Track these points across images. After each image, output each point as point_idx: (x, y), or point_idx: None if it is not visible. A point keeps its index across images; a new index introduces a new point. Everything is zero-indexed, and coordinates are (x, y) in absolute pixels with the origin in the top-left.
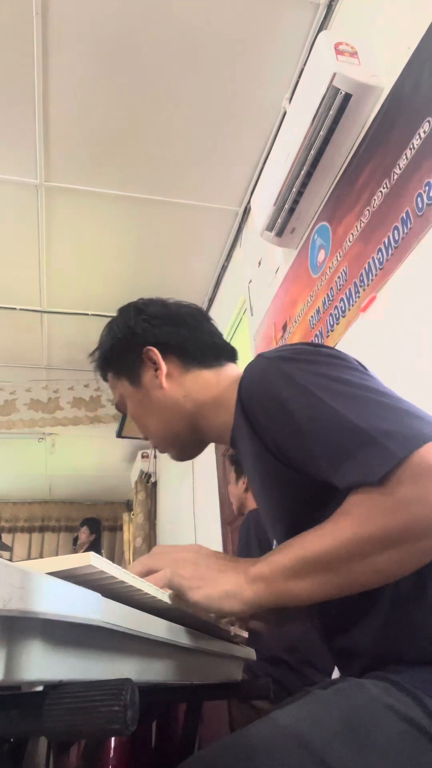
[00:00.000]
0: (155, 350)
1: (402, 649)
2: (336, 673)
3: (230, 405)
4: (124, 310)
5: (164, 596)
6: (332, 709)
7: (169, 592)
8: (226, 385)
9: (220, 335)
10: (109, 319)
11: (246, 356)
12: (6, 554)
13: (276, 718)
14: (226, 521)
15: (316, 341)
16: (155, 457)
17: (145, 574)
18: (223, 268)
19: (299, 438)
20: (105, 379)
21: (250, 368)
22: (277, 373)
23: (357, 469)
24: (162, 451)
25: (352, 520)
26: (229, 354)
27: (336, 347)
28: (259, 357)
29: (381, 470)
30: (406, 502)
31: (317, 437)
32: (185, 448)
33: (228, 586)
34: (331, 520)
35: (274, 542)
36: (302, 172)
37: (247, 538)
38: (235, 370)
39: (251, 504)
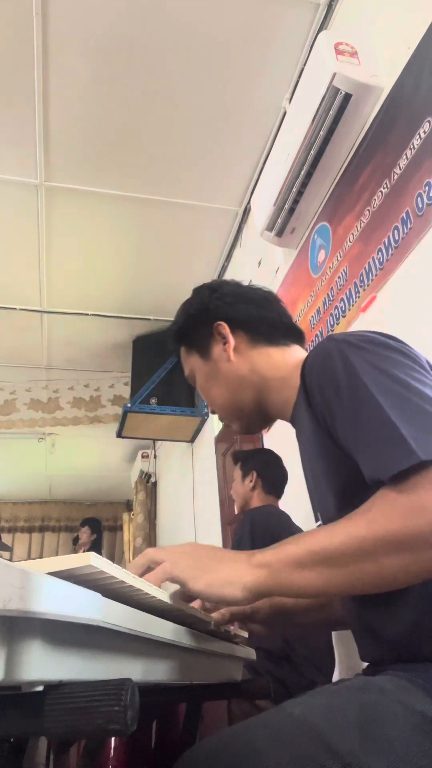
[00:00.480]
0: (225, 325)
1: (423, 647)
2: (336, 674)
3: (295, 383)
4: (198, 290)
5: (164, 596)
6: (345, 704)
7: (169, 591)
8: (293, 365)
9: (289, 317)
10: (108, 319)
11: None
12: (6, 554)
13: (288, 708)
14: (226, 521)
15: (317, 341)
16: (155, 457)
17: (147, 566)
18: (223, 268)
19: (344, 424)
20: (177, 354)
21: (316, 348)
22: (339, 357)
23: (375, 461)
24: (228, 424)
25: (366, 518)
26: (297, 335)
27: None
28: (328, 338)
29: (395, 467)
30: (421, 508)
31: (357, 428)
32: (250, 420)
33: (229, 573)
34: (347, 517)
35: (319, 516)
36: (302, 172)
37: (240, 536)
38: (302, 352)
39: (255, 503)
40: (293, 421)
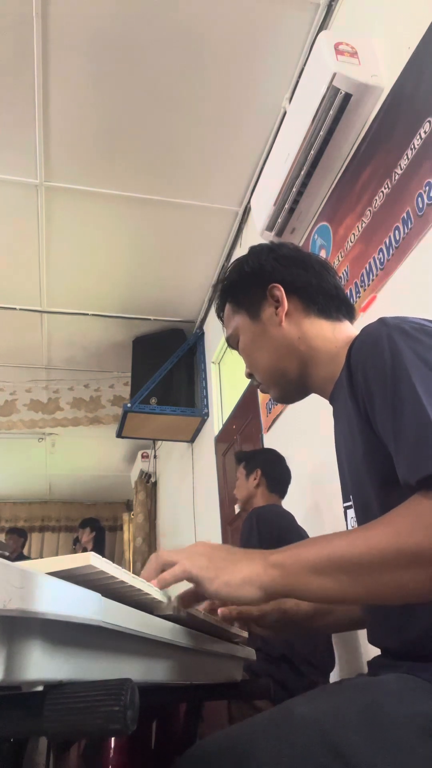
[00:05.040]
0: (280, 287)
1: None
2: (336, 674)
3: (341, 361)
4: (256, 249)
5: (164, 596)
6: (350, 703)
7: (170, 593)
8: (343, 342)
9: (344, 291)
10: (108, 319)
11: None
12: (6, 554)
13: (291, 707)
14: (226, 521)
15: None
16: (155, 457)
17: (160, 569)
18: (223, 268)
19: (383, 415)
20: (221, 310)
21: (367, 330)
22: (388, 344)
23: (407, 463)
24: (265, 389)
25: (388, 528)
26: (349, 311)
27: None
28: (380, 322)
29: (424, 471)
30: None
31: (395, 423)
32: (289, 388)
33: (245, 573)
34: (368, 526)
35: (349, 505)
36: (302, 172)
37: (248, 535)
38: (352, 329)
39: (258, 501)
40: (332, 399)
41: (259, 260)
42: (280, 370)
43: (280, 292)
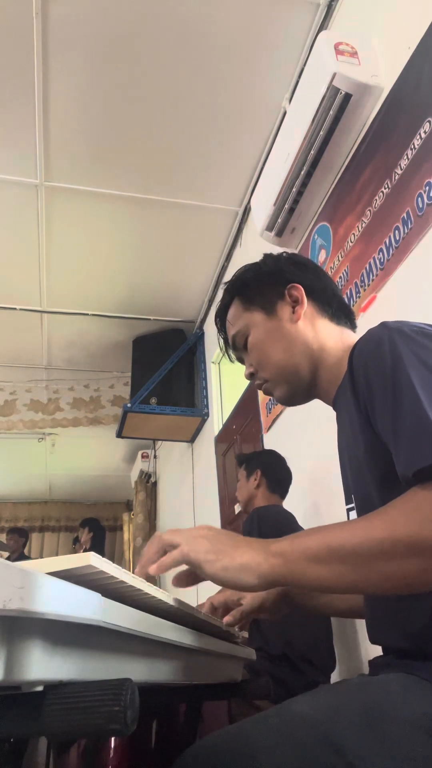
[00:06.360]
0: (301, 288)
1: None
2: (336, 674)
3: (344, 365)
4: (271, 254)
5: (164, 596)
6: (351, 703)
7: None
8: (347, 347)
9: (347, 302)
10: (108, 319)
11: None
12: (6, 554)
13: (292, 706)
14: (227, 521)
15: None
16: (155, 457)
17: (161, 551)
18: (223, 268)
19: (383, 414)
20: (225, 310)
21: (368, 334)
22: (389, 346)
23: (405, 457)
24: (270, 388)
25: (386, 518)
26: (351, 320)
27: None
28: (382, 325)
29: (422, 462)
30: None
31: (394, 420)
32: (297, 388)
33: (245, 559)
34: (368, 515)
35: (352, 507)
36: (302, 172)
37: (250, 534)
38: (354, 336)
39: (259, 501)
40: (335, 404)
41: (277, 263)
42: (292, 366)
43: (300, 292)
